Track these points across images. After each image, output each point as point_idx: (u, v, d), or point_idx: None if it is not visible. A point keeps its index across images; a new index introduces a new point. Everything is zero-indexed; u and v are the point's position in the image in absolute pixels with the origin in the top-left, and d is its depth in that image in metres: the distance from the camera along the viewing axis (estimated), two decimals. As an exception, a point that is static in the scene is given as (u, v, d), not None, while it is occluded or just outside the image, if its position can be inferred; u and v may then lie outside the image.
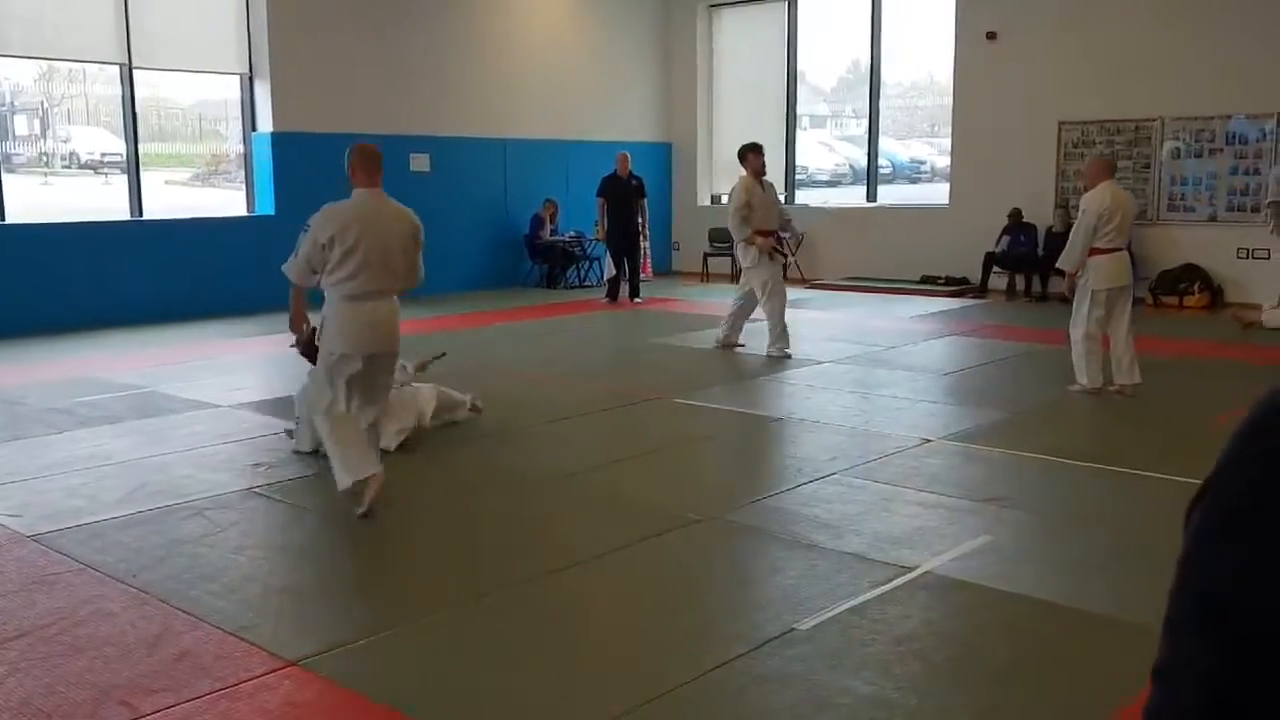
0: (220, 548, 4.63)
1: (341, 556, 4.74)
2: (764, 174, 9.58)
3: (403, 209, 5.20)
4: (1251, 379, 7.84)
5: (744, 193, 9.34)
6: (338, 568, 4.60)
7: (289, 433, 6.36)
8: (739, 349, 9.61)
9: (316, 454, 5.80)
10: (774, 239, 9.56)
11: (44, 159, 12.96)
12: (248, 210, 13.06)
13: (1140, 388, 7.48)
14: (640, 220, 13.68)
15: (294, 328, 5.49)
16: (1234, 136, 12.28)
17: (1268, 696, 0.64)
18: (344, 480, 5.01)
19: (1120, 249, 7.50)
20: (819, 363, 9.03)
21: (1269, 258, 11.63)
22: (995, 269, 13.62)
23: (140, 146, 12.09)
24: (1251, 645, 0.64)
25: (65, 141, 13.22)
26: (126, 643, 3.68)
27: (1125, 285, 7.58)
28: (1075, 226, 7.57)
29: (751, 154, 9.47)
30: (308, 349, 5.70)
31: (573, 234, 15.12)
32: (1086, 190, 7.70)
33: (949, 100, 14.43)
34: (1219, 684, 0.66)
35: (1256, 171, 11.99)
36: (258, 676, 3.42)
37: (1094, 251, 7.44)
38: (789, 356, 9.13)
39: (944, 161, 15.25)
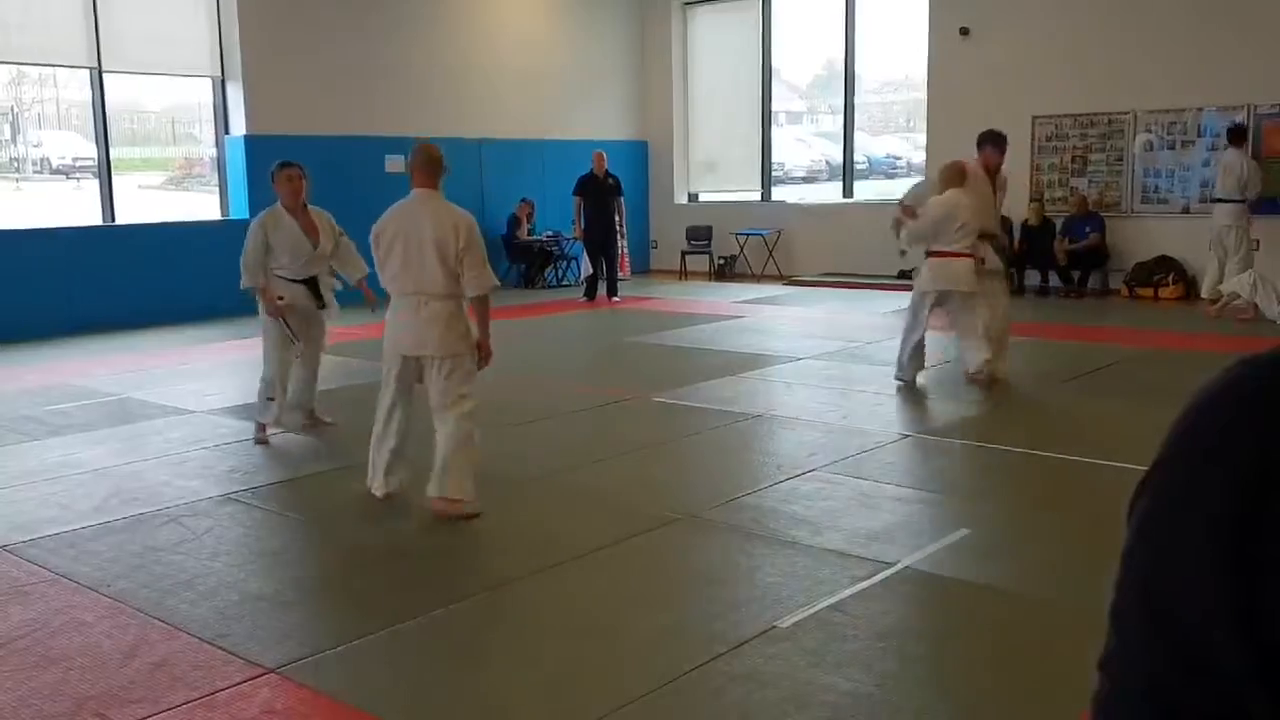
0: (196, 555, 4.59)
1: (319, 562, 4.71)
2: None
3: (447, 211, 5.04)
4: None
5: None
6: (315, 573, 4.57)
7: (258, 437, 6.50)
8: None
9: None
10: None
11: (15, 164, 12.83)
12: (221, 214, 12.97)
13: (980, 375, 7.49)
14: (617, 219, 13.67)
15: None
16: (1206, 129, 12.37)
17: (1210, 694, 0.63)
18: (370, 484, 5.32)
19: (957, 254, 7.44)
20: (797, 359, 9.04)
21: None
22: (972, 263, 13.66)
23: (112, 151, 11.99)
24: (1193, 641, 0.64)
25: (36, 146, 13.09)
26: (101, 653, 3.64)
27: (948, 290, 7.54)
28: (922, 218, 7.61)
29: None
30: None
31: (550, 234, 15.08)
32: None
33: (923, 95, 14.48)
34: (1161, 678, 0.66)
35: (1228, 163, 12.06)
36: (235, 685, 3.39)
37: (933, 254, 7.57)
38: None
39: (919, 157, 15.28)
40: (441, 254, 4.93)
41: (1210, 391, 0.68)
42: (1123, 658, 0.69)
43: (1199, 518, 0.65)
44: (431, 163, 5.09)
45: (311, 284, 6.51)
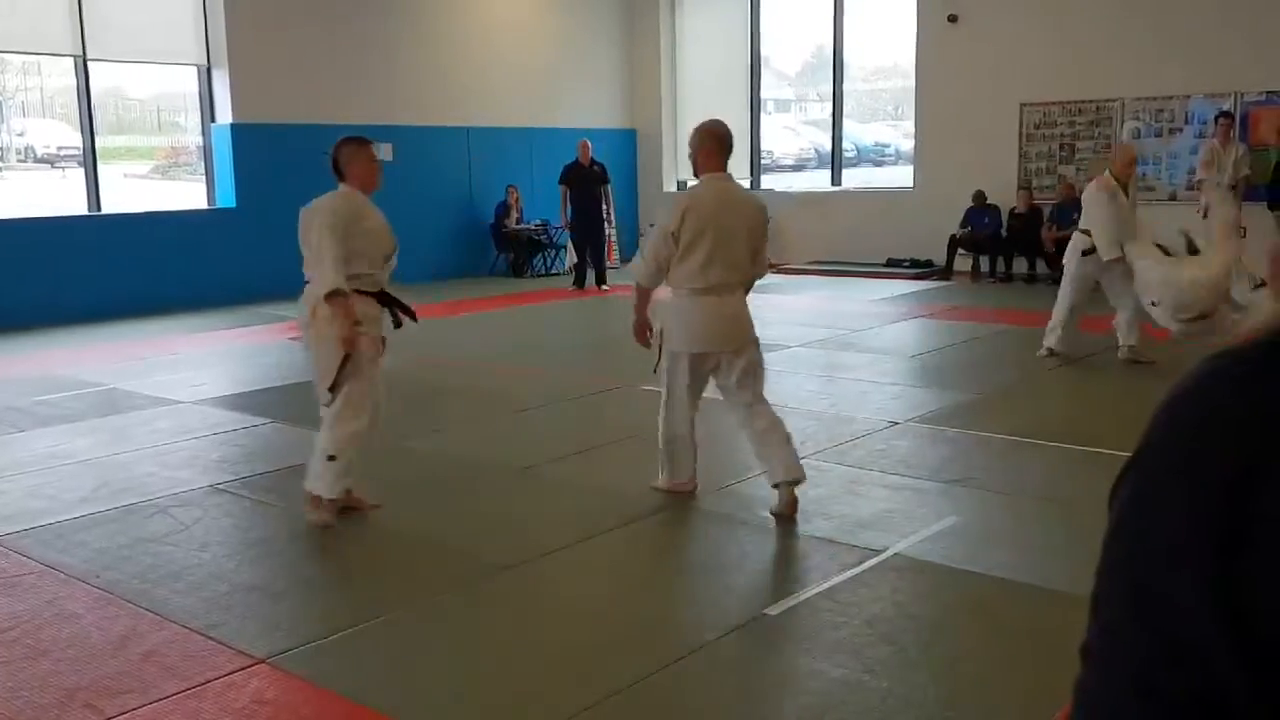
0: (185, 546, 4.58)
1: (308, 552, 4.70)
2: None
3: (749, 194, 4.97)
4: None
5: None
6: (304, 564, 4.56)
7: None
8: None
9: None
10: None
11: (-1, 153, 12.76)
12: (208, 203, 12.91)
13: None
14: (605, 207, 13.64)
15: (638, 335, 5.23)
16: (1193, 116, 12.40)
17: (1193, 678, 0.64)
18: (661, 480, 5.11)
19: None
20: (785, 347, 9.04)
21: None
22: (960, 251, 13.70)
23: (97, 139, 11.92)
24: (1176, 623, 0.65)
25: (20, 135, 13.01)
26: (91, 644, 3.63)
27: None
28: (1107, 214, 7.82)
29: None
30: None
31: (539, 222, 15.05)
32: (1089, 180, 8.06)
33: (912, 83, 14.47)
34: (1144, 661, 0.66)
35: (1215, 150, 12.10)
36: (226, 675, 3.39)
37: None
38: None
39: (908, 144, 15.30)
40: (752, 242, 4.83)
41: (1192, 380, 0.70)
42: (1106, 642, 0.70)
43: (1183, 501, 0.66)
44: (721, 141, 4.79)
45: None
